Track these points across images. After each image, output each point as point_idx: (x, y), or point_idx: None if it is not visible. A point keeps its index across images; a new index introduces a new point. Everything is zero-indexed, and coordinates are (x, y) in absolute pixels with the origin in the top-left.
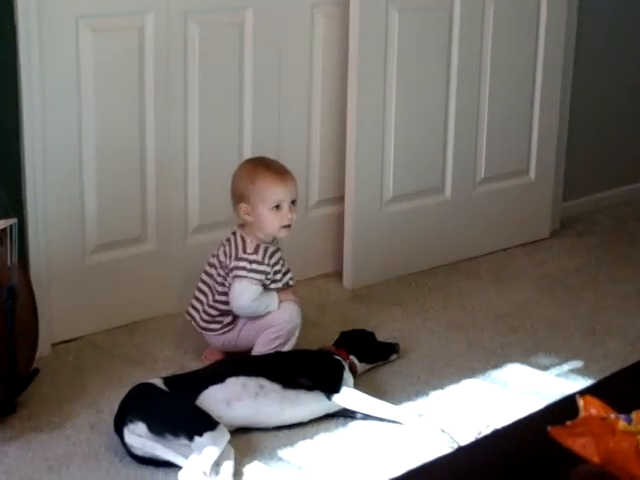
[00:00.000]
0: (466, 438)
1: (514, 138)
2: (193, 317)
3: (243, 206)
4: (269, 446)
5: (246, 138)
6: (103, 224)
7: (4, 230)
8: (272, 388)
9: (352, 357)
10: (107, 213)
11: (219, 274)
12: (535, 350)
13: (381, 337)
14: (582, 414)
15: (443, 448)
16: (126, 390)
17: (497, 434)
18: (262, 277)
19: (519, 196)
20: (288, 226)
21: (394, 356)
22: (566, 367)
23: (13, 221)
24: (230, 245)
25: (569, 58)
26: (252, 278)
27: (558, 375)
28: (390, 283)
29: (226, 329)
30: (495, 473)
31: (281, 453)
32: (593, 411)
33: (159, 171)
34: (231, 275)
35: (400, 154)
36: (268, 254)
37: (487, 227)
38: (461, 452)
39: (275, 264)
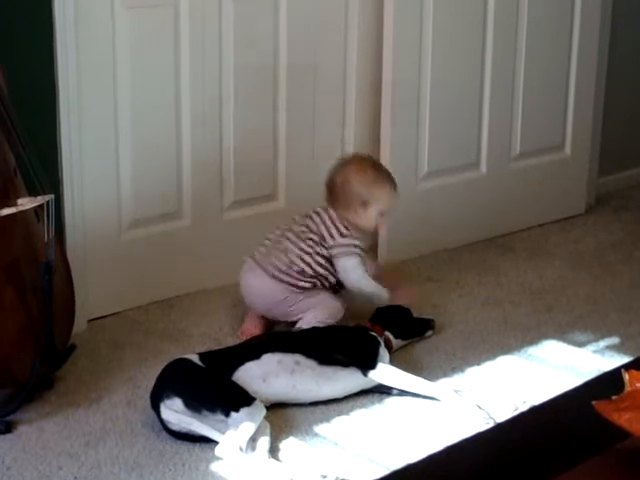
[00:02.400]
0: (503, 414)
1: (550, 113)
2: (268, 258)
3: (360, 209)
4: (305, 422)
5: (280, 118)
6: (139, 200)
7: (41, 206)
8: (308, 364)
9: (388, 333)
10: (143, 189)
11: (318, 243)
12: (571, 327)
13: (416, 313)
14: (628, 388)
15: (480, 424)
16: (162, 366)
17: (536, 410)
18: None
19: (554, 171)
20: None
21: (430, 332)
22: (602, 344)
23: (50, 197)
24: (323, 221)
25: (605, 31)
26: (358, 254)
27: (594, 352)
28: (425, 258)
29: (296, 289)
30: (533, 449)
31: (317, 429)
32: (639, 385)
33: (195, 148)
34: (336, 251)
35: (435, 129)
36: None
37: (522, 202)
38: (498, 428)
39: None
